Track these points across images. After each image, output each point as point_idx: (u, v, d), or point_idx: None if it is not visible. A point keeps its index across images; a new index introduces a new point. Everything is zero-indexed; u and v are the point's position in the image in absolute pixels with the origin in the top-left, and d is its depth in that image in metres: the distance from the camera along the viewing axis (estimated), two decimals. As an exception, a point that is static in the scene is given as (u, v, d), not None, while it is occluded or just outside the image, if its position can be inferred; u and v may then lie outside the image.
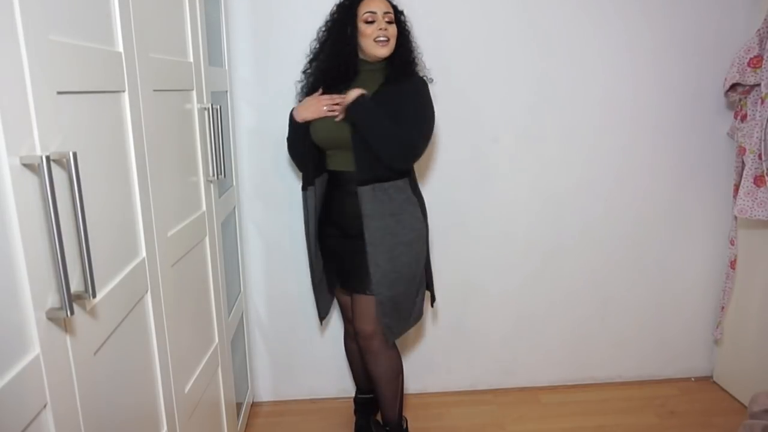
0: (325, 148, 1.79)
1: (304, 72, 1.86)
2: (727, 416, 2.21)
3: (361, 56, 1.75)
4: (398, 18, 1.77)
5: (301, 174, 2.16)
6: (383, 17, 1.70)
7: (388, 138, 1.67)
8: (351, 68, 1.75)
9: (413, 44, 1.82)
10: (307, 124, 1.76)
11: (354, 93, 1.67)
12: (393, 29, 1.73)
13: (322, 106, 1.73)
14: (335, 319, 2.31)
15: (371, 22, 1.70)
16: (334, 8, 1.78)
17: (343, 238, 1.81)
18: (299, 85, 1.89)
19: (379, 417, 2.10)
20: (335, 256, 1.87)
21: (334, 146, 1.76)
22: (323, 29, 1.80)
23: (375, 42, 1.70)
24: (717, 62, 2.18)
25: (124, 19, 1.07)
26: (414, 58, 1.81)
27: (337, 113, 1.71)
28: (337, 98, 1.72)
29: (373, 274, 1.72)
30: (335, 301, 2.05)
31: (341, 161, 1.76)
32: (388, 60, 1.76)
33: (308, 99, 1.78)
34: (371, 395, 2.10)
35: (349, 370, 2.20)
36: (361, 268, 1.74)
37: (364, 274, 1.74)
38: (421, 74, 1.81)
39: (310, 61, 1.83)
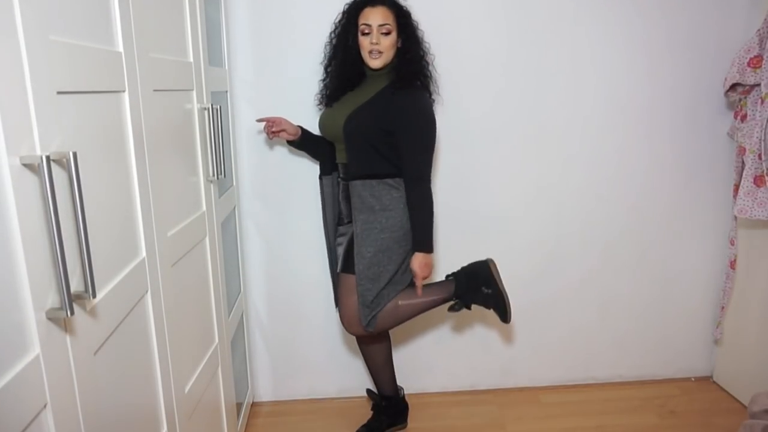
0: (332, 141, 1.90)
1: (324, 77, 1.94)
2: (727, 416, 2.21)
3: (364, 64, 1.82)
4: (402, 23, 1.78)
5: (301, 171, 2.15)
6: (378, 29, 1.74)
7: (430, 217, 1.82)
8: (358, 75, 1.85)
9: (421, 50, 1.83)
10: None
11: (415, 264, 1.82)
12: (387, 41, 1.75)
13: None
14: (334, 319, 2.31)
15: (367, 34, 1.76)
16: (339, 15, 1.84)
17: (343, 221, 1.94)
18: (321, 84, 1.95)
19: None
20: (333, 241, 1.98)
21: (337, 140, 1.85)
22: (332, 35, 1.87)
23: (368, 54, 1.77)
24: (717, 62, 2.18)
25: (124, 19, 1.07)
26: (419, 67, 1.82)
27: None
28: None
29: (356, 264, 1.82)
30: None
31: (342, 154, 1.86)
32: (395, 65, 1.80)
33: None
34: (377, 396, 2.16)
35: (367, 370, 2.20)
36: (346, 249, 1.91)
37: (347, 254, 1.90)
38: (425, 82, 1.85)
39: (325, 66, 1.91)
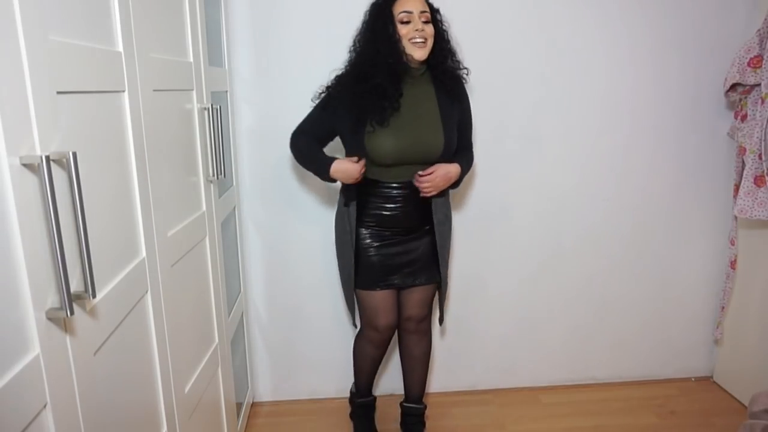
0: (392, 165, 1.73)
1: (339, 78, 1.76)
2: (727, 416, 2.21)
3: (405, 59, 1.68)
4: (434, 17, 1.70)
5: (302, 172, 2.14)
6: (419, 17, 1.64)
7: (471, 164, 1.93)
8: (401, 71, 1.68)
9: (452, 44, 1.77)
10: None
11: (442, 169, 1.73)
12: (430, 29, 1.67)
13: (357, 175, 1.72)
14: (334, 319, 2.31)
15: (407, 23, 1.64)
16: (370, 7, 1.72)
17: (402, 237, 1.83)
18: (331, 89, 1.77)
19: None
20: (385, 259, 1.83)
21: (411, 162, 1.73)
22: (362, 30, 1.72)
23: (411, 43, 1.64)
24: (717, 62, 2.18)
25: (124, 19, 1.07)
26: (458, 62, 1.79)
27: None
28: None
29: (440, 262, 1.87)
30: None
31: (406, 173, 1.75)
32: (428, 62, 1.72)
33: (346, 167, 1.71)
34: (371, 398, 2.12)
35: (354, 370, 2.09)
36: (425, 261, 1.86)
37: (430, 266, 1.87)
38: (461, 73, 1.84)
39: (352, 63, 1.74)
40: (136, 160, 1.12)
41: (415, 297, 1.91)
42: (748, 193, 2.01)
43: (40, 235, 0.77)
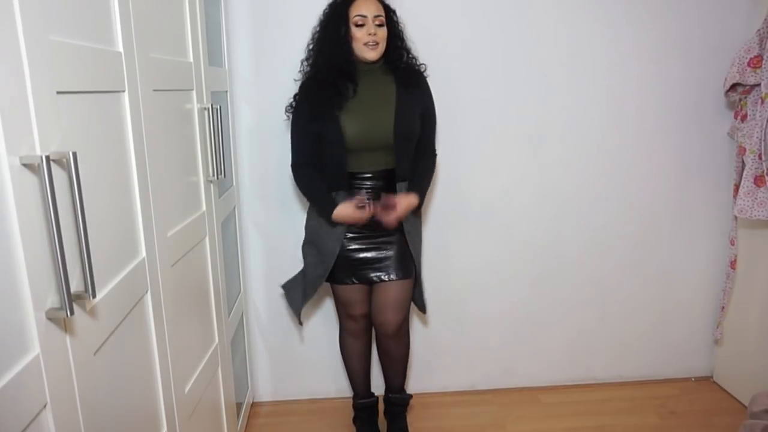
0: (361, 150, 1.80)
1: (302, 71, 1.90)
2: (727, 416, 2.21)
3: (354, 57, 1.78)
4: (390, 18, 1.79)
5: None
6: (373, 20, 1.73)
7: (431, 176, 1.96)
8: (351, 68, 1.78)
9: (407, 43, 1.87)
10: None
11: (405, 202, 1.79)
12: (383, 32, 1.76)
13: (358, 216, 1.78)
14: (333, 319, 2.31)
15: (361, 26, 1.73)
16: (327, 8, 1.81)
17: (370, 233, 1.86)
18: (298, 84, 1.90)
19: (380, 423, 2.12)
20: (354, 253, 1.87)
21: (374, 148, 1.80)
22: (318, 28, 1.83)
23: (364, 46, 1.74)
24: (717, 62, 2.18)
25: (124, 19, 1.07)
26: (414, 58, 1.89)
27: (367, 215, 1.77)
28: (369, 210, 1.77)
29: (414, 257, 1.91)
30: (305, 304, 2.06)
31: (376, 161, 1.82)
32: (385, 60, 1.82)
33: (345, 210, 1.78)
34: (373, 398, 2.11)
35: (347, 373, 2.10)
36: (396, 259, 1.87)
37: (402, 264, 1.88)
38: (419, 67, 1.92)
39: (309, 61, 1.86)
40: (136, 160, 1.12)
41: (389, 299, 1.88)
42: (748, 193, 2.01)
43: (40, 235, 0.77)
